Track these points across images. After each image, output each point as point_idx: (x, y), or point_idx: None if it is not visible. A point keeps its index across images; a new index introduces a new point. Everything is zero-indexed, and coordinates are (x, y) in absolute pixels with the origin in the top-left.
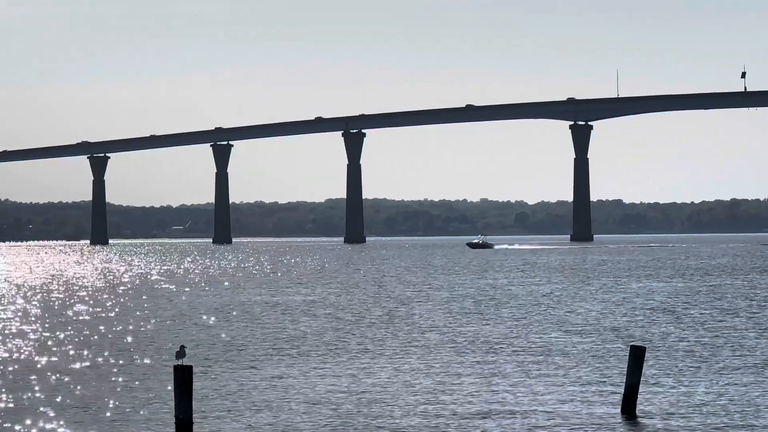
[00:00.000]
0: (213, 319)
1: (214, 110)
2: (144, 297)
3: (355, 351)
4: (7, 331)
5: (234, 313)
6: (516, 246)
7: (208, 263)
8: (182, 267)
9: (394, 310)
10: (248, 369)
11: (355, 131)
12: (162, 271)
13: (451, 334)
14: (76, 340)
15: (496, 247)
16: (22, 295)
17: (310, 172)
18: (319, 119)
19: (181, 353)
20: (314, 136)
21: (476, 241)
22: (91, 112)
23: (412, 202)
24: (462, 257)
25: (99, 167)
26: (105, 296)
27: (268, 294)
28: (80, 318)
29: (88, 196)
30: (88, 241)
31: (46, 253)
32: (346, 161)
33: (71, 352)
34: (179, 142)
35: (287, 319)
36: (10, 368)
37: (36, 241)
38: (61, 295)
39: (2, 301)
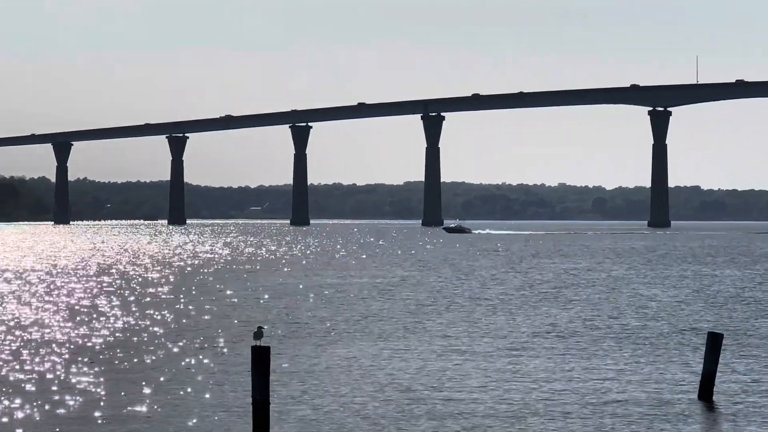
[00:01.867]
0: (291, 299)
1: (292, 91)
2: (221, 276)
3: (430, 334)
4: (84, 310)
5: (312, 294)
6: (488, 231)
7: (286, 244)
8: (260, 248)
9: (468, 293)
10: (324, 349)
11: (434, 114)
12: (238, 250)
13: (526, 317)
14: (152, 319)
15: (475, 232)
16: (93, 273)
17: (389, 155)
18: (398, 103)
19: (258, 334)
20: (393, 119)
21: (453, 225)
22: (171, 92)
23: (489, 185)
24: (544, 241)
25: (178, 147)
26: (181, 276)
27: (346, 275)
28: (154, 299)
29: (166, 175)
30: (165, 221)
31: (119, 233)
32: (424, 144)
33: (146, 333)
34: (257, 123)
35: (364, 300)
36: (88, 344)
37: (113, 221)
38: (137, 275)
39: (76, 280)
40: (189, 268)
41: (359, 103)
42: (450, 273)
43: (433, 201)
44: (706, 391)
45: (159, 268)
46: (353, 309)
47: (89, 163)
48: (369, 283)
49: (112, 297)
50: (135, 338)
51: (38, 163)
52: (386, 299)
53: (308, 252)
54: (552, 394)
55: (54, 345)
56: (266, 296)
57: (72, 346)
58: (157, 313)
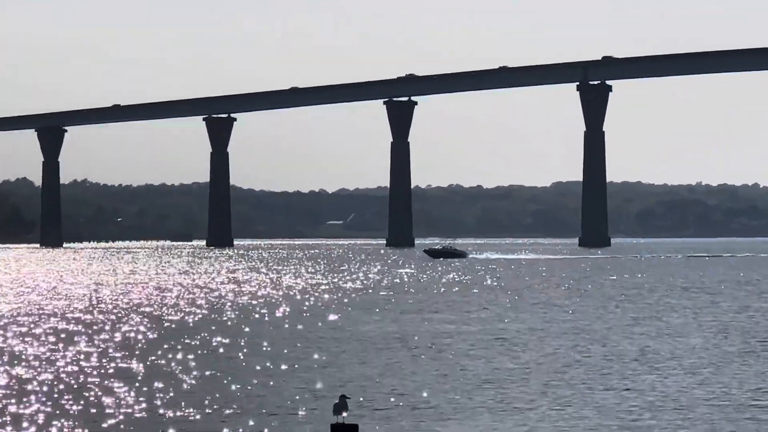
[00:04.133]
0: (391, 354)
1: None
2: (295, 324)
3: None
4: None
5: (419, 345)
6: (486, 255)
7: (390, 274)
8: (346, 281)
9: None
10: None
11: (596, 82)
12: (315, 285)
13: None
14: (209, 382)
15: (472, 256)
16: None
17: (517, 147)
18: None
19: (341, 406)
20: (541, 90)
21: (438, 246)
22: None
23: (678, 187)
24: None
25: (220, 133)
26: (246, 325)
27: (463, 319)
28: (212, 355)
29: (203, 175)
30: (203, 242)
31: (136, 261)
32: (583, 127)
33: (197, 398)
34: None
35: (496, 355)
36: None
37: (127, 242)
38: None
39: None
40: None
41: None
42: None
43: (595, 210)
44: None
45: (225, 327)
46: (471, 367)
47: (89, 158)
48: (490, 330)
49: (166, 378)
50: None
51: (16, 158)
52: (514, 353)
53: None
54: None
55: None
56: (353, 348)
57: None
58: (213, 372)
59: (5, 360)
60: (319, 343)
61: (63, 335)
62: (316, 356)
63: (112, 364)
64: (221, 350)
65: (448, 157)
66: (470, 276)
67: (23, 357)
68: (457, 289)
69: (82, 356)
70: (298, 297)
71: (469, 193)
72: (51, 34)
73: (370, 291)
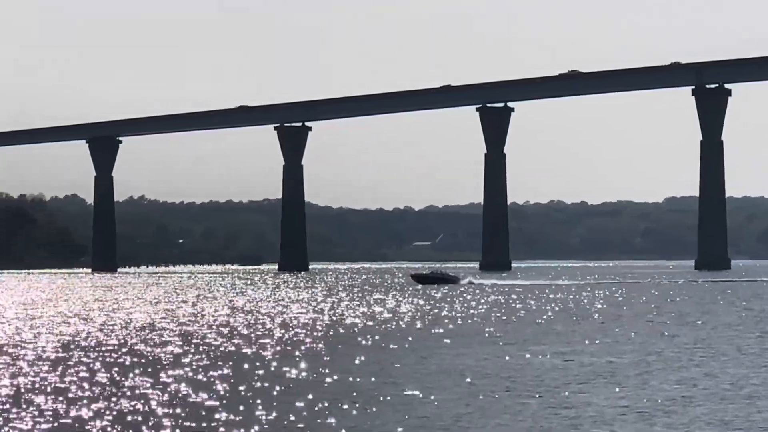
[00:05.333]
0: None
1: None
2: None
3: None
4: None
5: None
6: (473, 279)
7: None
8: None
9: None
10: None
11: (713, 86)
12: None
13: None
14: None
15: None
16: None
17: (647, 155)
18: (670, 65)
19: None
20: (652, 95)
21: (426, 272)
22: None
23: None
24: None
25: (294, 145)
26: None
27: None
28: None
29: (275, 191)
30: (275, 266)
31: (207, 290)
32: (699, 136)
33: None
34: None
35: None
36: None
37: (189, 266)
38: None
39: None
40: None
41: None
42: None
43: (713, 229)
44: None
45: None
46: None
47: (147, 171)
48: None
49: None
50: None
51: (66, 173)
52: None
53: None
54: None
55: None
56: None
57: None
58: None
59: None
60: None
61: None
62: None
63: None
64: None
65: (548, 170)
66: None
67: None
68: (554, 317)
69: None
70: (391, 325)
71: (572, 210)
72: (105, 36)
73: (471, 320)
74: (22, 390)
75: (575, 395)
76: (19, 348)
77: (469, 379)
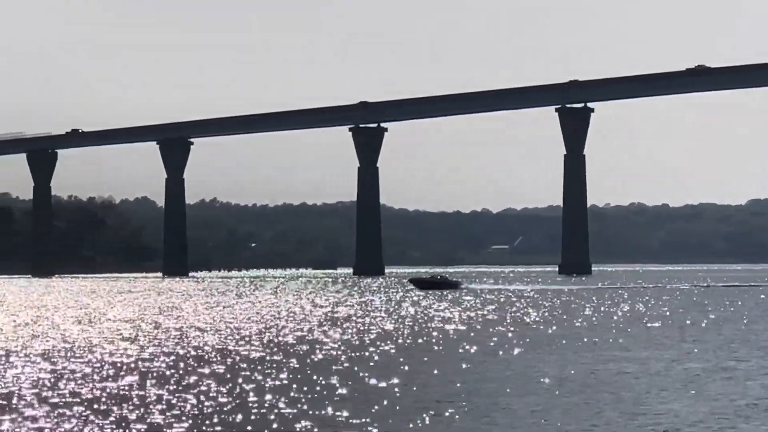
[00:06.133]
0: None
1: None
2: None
3: None
4: None
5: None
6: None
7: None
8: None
9: None
10: None
11: None
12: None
13: None
14: None
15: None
16: None
17: (728, 155)
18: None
19: None
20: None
21: (428, 277)
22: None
23: None
24: None
25: (370, 145)
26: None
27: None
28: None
29: (350, 194)
30: (350, 270)
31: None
32: None
33: None
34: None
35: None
36: None
37: (260, 270)
38: None
39: None
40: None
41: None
42: None
43: None
44: None
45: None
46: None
47: (218, 174)
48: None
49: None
50: None
51: (136, 175)
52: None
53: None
54: None
55: None
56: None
57: None
58: None
59: None
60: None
61: None
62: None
63: None
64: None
65: (628, 172)
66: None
67: None
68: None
69: None
70: (478, 331)
71: (652, 213)
72: (175, 36)
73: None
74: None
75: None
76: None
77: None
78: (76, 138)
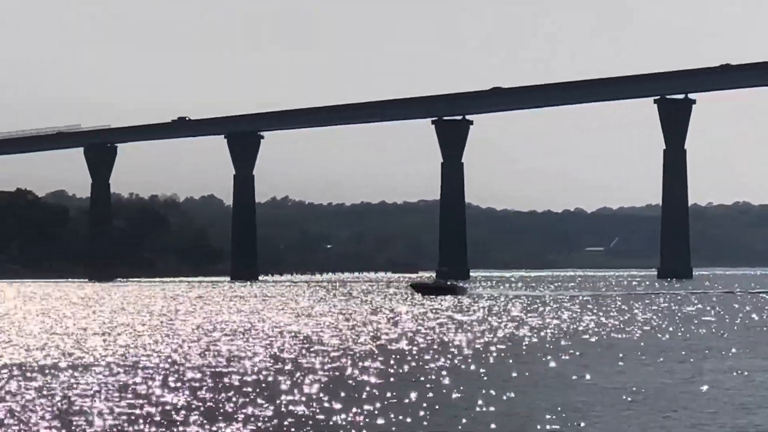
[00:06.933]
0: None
1: None
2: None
3: None
4: None
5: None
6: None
7: None
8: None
9: None
10: None
11: None
12: None
13: None
14: None
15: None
16: None
17: None
18: None
19: None
20: None
21: (427, 280)
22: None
23: None
24: None
25: (449, 140)
26: None
27: None
28: None
29: (433, 192)
30: (433, 274)
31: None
32: None
33: None
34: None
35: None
36: None
37: (339, 274)
38: None
39: None
40: None
41: None
42: None
43: None
44: None
45: None
46: None
47: (290, 170)
48: None
49: None
50: None
51: (203, 171)
52: None
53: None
54: None
55: None
56: None
57: None
58: None
59: None
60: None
61: None
62: None
63: None
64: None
65: (732, 168)
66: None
67: None
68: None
69: None
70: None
71: (758, 212)
72: (241, 27)
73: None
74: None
75: None
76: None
77: None
78: (137, 131)
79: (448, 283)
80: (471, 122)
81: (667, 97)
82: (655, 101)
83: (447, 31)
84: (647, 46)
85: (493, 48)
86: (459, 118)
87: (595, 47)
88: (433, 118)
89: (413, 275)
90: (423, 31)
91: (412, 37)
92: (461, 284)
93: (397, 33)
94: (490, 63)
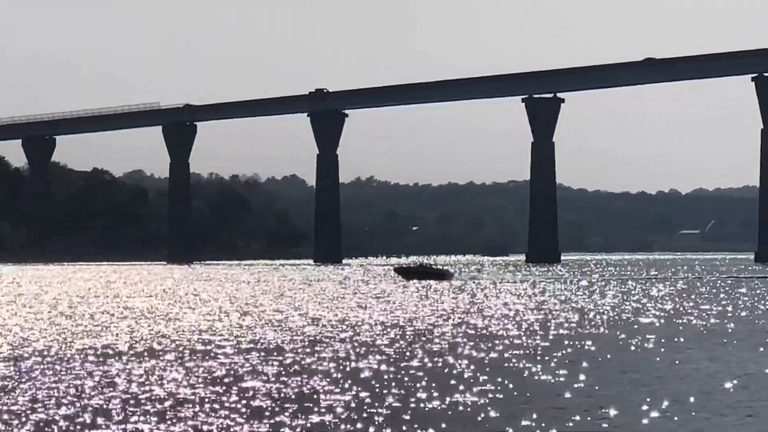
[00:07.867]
0: None
1: None
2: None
3: None
4: None
5: None
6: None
7: None
8: None
9: None
10: None
11: None
12: None
13: None
14: None
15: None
16: None
17: None
18: None
19: None
20: None
21: (411, 264)
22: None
23: None
24: None
25: (542, 119)
26: None
27: None
28: None
29: (522, 172)
30: (522, 257)
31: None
32: None
33: None
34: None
35: None
36: None
37: (425, 257)
38: None
39: None
40: None
41: None
42: None
43: None
44: None
45: None
46: None
47: (374, 149)
48: None
49: None
50: None
51: (285, 150)
52: None
53: None
54: None
55: None
56: None
57: None
58: None
59: None
60: None
61: None
62: None
63: None
64: None
65: None
66: None
67: None
68: None
69: None
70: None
71: None
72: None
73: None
74: None
75: None
76: None
77: None
78: (216, 109)
79: (438, 267)
80: (563, 100)
81: (765, 74)
82: (753, 78)
83: (539, 8)
84: (743, 23)
85: (588, 24)
86: (550, 95)
87: (684, 24)
88: (524, 96)
89: (503, 258)
90: (514, 7)
91: (502, 14)
92: (444, 269)
93: (488, 10)
94: (583, 40)
